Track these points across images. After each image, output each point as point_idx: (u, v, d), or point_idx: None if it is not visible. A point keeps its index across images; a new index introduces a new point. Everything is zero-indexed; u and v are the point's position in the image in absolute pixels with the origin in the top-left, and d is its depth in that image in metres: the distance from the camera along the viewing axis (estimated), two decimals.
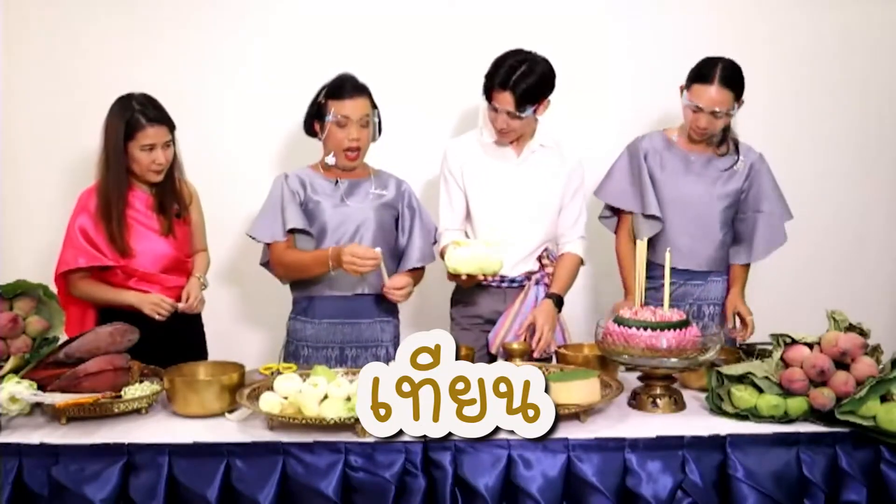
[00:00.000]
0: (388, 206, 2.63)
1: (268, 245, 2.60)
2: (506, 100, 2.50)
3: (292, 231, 2.54)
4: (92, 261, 2.51)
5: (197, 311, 2.66)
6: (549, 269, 2.71)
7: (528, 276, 2.69)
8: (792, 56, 3.34)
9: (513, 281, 2.69)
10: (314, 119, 2.58)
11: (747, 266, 2.80)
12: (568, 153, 2.72)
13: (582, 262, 2.75)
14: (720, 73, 2.57)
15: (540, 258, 2.72)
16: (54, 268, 2.56)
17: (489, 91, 2.54)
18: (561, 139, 2.74)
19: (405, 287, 2.49)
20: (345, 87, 2.53)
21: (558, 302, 2.65)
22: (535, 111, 2.54)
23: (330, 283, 2.56)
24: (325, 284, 2.56)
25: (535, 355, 2.50)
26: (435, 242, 2.71)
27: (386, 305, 2.63)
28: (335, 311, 2.58)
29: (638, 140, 2.81)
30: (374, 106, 2.59)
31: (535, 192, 2.68)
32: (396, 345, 2.64)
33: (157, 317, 2.49)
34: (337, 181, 2.60)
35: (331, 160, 2.57)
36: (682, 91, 2.66)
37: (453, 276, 2.49)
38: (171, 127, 2.55)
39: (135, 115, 2.48)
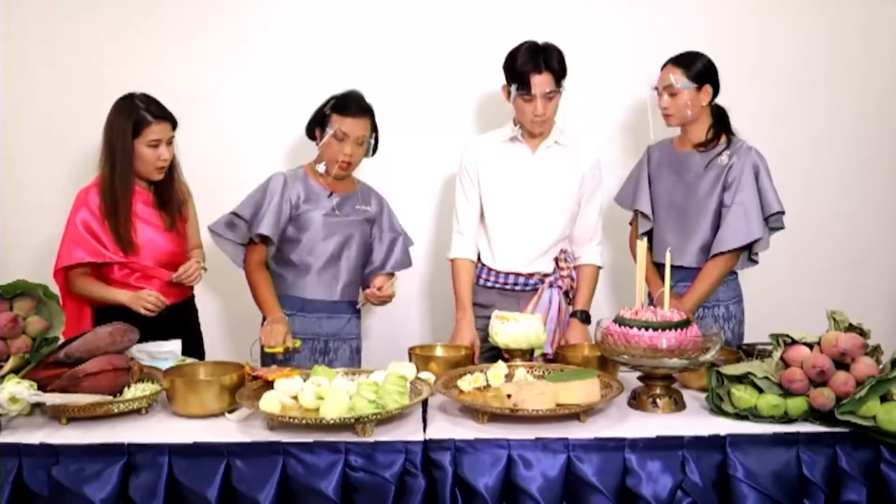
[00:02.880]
0: (369, 221, 2.79)
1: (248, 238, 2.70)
2: (544, 81, 2.56)
3: (263, 238, 2.66)
4: (94, 256, 2.52)
5: (192, 282, 2.67)
6: (565, 272, 2.72)
7: (542, 278, 2.69)
8: (790, 56, 3.34)
9: (526, 284, 2.70)
10: (316, 125, 2.69)
11: (719, 263, 2.67)
12: (584, 153, 2.74)
13: (600, 267, 2.81)
14: (676, 56, 2.69)
15: (557, 259, 2.73)
16: (53, 264, 2.57)
17: (524, 78, 2.56)
18: (582, 139, 2.78)
19: (387, 289, 2.68)
20: (350, 105, 2.64)
21: (585, 318, 2.70)
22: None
23: (312, 291, 2.70)
24: (307, 290, 2.70)
25: None
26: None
27: (353, 305, 2.80)
28: (318, 306, 2.70)
29: (649, 147, 2.89)
30: (375, 128, 2.72)
31: (549, 187, 2.70)
32: (359, 336, 2.85)
33: (142, 311, 2.48)
34: (331, 193, 2.71)
35: (321, 169, 2.69)
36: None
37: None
38: (173, 123, 2.60)
39: (140, 112, 2.52)
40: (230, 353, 2.61)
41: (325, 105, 2.67)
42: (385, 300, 2.70)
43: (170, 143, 2.58)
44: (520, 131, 2.70)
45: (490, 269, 2.74)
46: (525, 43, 2.61)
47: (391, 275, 2.82)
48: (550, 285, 2.69)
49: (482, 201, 2.74)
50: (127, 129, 2.51)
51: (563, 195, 2.71)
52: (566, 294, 2.73)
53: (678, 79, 2.64)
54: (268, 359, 2.58)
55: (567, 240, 2.77)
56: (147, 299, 2.50)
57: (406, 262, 2.87)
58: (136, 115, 2.52)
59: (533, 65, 2.55)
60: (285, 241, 2.69)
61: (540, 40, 2.63)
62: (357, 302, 2.81)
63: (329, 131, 2.62)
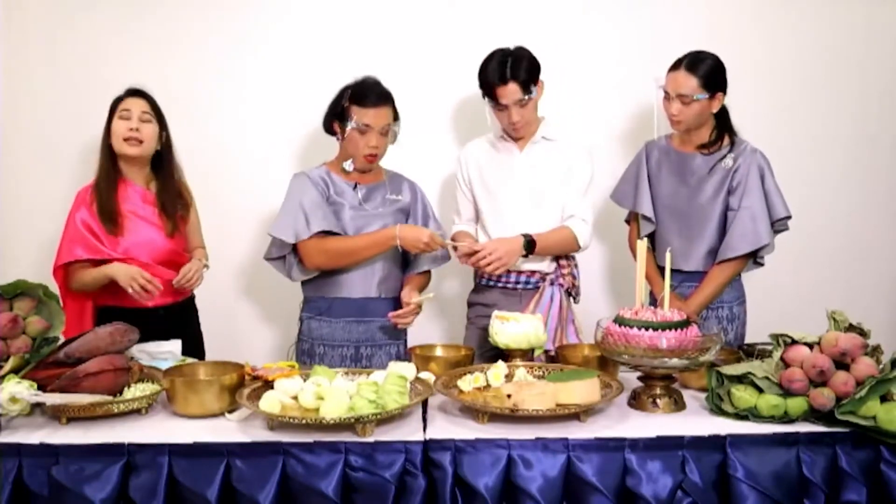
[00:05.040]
0: (403, 211, 2.68)
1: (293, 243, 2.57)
2: (512, 91, 2.58)
3: (319, 233, 2.53)
4: (92, 252, 2.53)
5: (193, 285, 2.67)
6: (566, 270, 2.72)
7: (543, 276, 2.70)
8: (790, 56, 3.34)
9: (528, 282, 2.71)
10: (335, 119, 2.59)
11: (725, 269, 2.66)
12: (572, 144, 2.75)
13: (579, 246, 2.71)
14: (687, 59, 2.62)
15: (557, 257, 2.73)
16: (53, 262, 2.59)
17: (492, 91, 2.60)
18: (570, 133, 2.78)
19: (413, 312, 2.54)
20: (370, 94, 2.53)
21: (527, 244, 2.59)
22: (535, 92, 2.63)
23: (348, 287, 2.59)
24: (343, 287, 2.59)
25: (488, 270, 2.55)
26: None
27: (397, 305, 2.65)
28: (353, 310, 2.59)
29: (647, 143, 2.86)
30: (396, 114, 2.61)
31: (536, 180, 2.72)
32: (405, 342, 2.70)
33: (130, 290, 2.46)
34: (356, 185, 2.62)
35: (348, 167, 2.59)
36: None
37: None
38: (153, 105, 2.64)
39: (119, 95, 2.63)
40: (231, 354, 2.59)
41: (341, 97, 2.57)
42: (412, 316, 2.55)
43: (147, 120, 2.61)
44: (503, 134, 2.75)
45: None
46: (493, 53, 2.63)
47: (426, 273, 2.71)
48: (552, 283, 2.69)
49: (477, 203, 2.78)
50: (108, 111, 2.62)
51: (551, 186, 2.73)
52: (568, 292, 2.73)
53: (693, 89, 2.58)
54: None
55: None
56: (138, 279, 2.46)
57: (442, 257, 2.72)
58: (115, 98, 2.64)
59: (499, 76, 2.57)
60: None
61: (533, 45, 2.64)
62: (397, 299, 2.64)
63: (350, 125, 2.52)
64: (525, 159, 2.74)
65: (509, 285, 2.74)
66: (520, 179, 2.72)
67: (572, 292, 2.76)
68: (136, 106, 2.61)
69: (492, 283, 2.76)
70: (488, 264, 2.54)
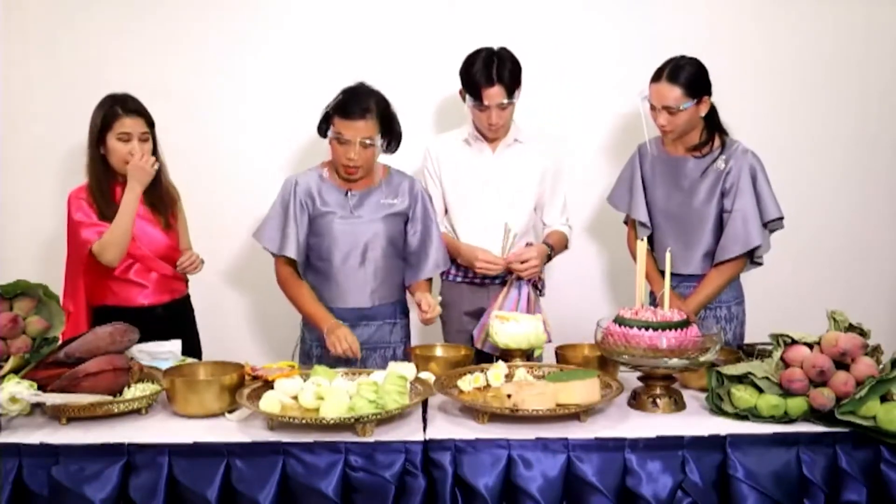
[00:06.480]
0: (399, 216, 2.61)
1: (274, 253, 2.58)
2: (496, 93, 2.59)
3: (291, 258, 2.53)
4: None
5: (195, 269, 2.71)
6: None
7: (510, 271, 2.69)
8: (790, 56, 3.34)
9: (495, 277, 2.72)
10: (323, 125, 2.55)
11: (723, 271, 2.65)
12: (545, 148, 2.79)
13: (567, 246, 2.83)
14: (668, 70, 2.59)
15: None
16: (63, 263, 2.62)
17: (476, 90, 2.60)
18: (541, 137, 2.81)
19: (435, 311, 2.48)
20: (351, 105, 2.45)
21: (549, 249, 2.73)
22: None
23: (342, 298, 2.56)
24: (337, 298, 2.56)
25: (525, 276, 2.62)
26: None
27: (399, 308, 2.65)
28: (349, 316, 2.55)
29: (640, 145, 2.83)
30: (388, 124, 2.51)
31: (509, 181, 2.74)
32: (406, 344, 2.68)
33: (145, 171, 2.50)
34: (347, 192, 2.57)
35: (325, 175, 2.58)
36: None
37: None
38: (148, 121, 2.62)
39: (112, 107, 2.58)
40: (227, 353, 2.59)
41: (330, 104, 2.51)
42: (434, 319, 2.49)
43: (145, 139, 2.59)
44: (476, 133, 2.75)
45: (459, 265, 2.75)
46: (480, 51, 2.63)
47: (429, 281, 2.66)
48: (519, 278, 2.67)
49: (445, 200, 2.78)
50: (97, 122, 2.58)
51: (525, 191, 2.76)
52: (535, 285, 2.73)
53: (678, 99, 2.55)
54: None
55: (531, 233, 2.80)
56: (138, 163, 2.51)
57: (443, 263, 2.65)
58: (107, 109, 2.58)
59: (485, 77, 2.58)
60: (307, 248, 2.57)
61: (519, 44, 2.65)
62: (403, 303, 2.63)
63: (330, 135, 2.48)
64: (498, 160, 2.76)
65: (476, 281, 2.75)
66: (492, 180, 2.74)
67: (539, 285, 2.76)
68: (135, 128, 2.57)
69: (458, 279, 2.77)
70: (526, 268, 2.61)
